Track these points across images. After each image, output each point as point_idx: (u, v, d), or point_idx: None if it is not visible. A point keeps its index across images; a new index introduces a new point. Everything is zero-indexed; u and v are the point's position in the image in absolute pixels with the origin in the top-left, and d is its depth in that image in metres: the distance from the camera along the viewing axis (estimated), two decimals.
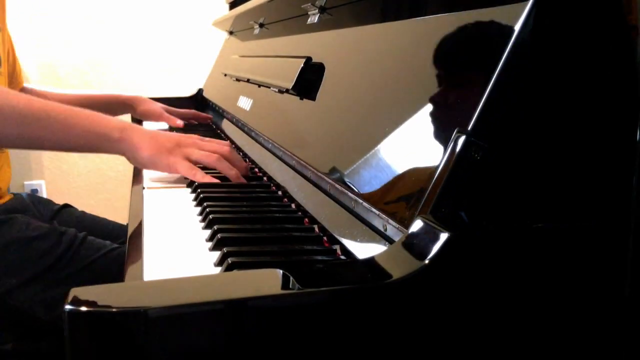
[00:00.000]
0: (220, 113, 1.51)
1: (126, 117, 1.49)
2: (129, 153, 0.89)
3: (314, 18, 0.97)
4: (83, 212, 1.29)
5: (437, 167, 0.46)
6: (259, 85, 1.13)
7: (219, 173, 0.90)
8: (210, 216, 0.70)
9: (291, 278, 0.41)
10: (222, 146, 0.92)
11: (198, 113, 1.58)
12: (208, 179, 0.87)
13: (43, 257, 0.97)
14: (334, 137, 0.71)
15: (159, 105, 1.48)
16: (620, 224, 0.45)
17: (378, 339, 0.41)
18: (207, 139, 0.95)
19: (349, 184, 0.60)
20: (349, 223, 0.59)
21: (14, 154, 2.24)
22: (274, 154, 0.94)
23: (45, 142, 0.90)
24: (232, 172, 0.90)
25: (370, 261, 0.45)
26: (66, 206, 1.28)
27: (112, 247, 1.04)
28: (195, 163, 0.89)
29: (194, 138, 0.93)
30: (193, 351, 0.38)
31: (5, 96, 0.86)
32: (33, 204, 1.20)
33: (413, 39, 0.63)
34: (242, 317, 0.39)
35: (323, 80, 0.81)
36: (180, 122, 1.43)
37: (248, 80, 1.21)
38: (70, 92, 1.43)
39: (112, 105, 1.45)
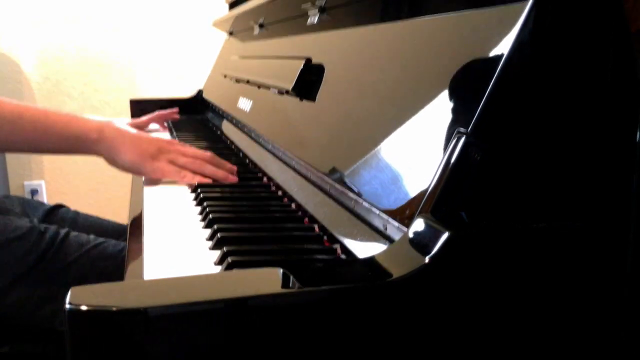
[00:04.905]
0: (220, 114, 1.51)
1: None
2: (108, 156, 0.88)
3: (313, 19, 0.97)
4: (76, 212, 1.23)
5: (438, 167, 0.46)
6: (259, 86, 1.13)
7: None
8: (210, 215, 0.70)
9: (291, 277, 0.41)
10: (203, 151, 0.92)
11: (161, 113, 1.58)
12: (199, 179, 0.87)
13: (24, 258, 0.91)
14: (334, 137, 0.71)
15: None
16: (620, 223, 0.45)
17: (378, 337, 0.41)
18: (187, 145, 0.94)
19: (349, 184, 0.60)
20: (349, 223, 0.59)
21: (13, 154, 2.25)
22: (274, 154, 0.94)
23: (19, 145, 0.88)
24: (219, 174, 0.89)
25: (371, 260, 0.45)
26: (58, 207, 1.22)
27: (95, 242, 0.97)
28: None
29: (174, 143, 0.92)
30: (193, 350, 0.38)
31: None
32: (22, 206, 1.15)
33: (413, 39, 0.63)
34: (242, 316, 0.39)
35: (323, 81, 0.81)
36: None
37: (248, 82, 1.21)
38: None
39: None
